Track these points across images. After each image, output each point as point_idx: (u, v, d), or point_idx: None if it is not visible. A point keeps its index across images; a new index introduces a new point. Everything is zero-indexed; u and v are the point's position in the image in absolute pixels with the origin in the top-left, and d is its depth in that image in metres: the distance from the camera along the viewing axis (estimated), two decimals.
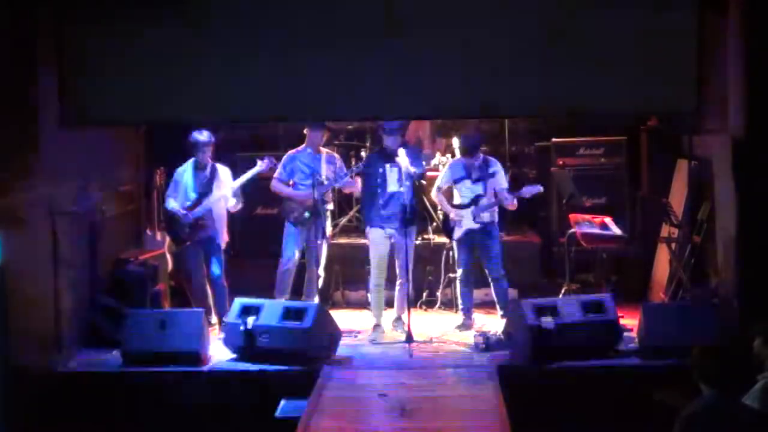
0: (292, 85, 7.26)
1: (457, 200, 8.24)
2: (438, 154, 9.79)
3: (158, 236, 8.86)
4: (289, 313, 7.35)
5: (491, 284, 8.21)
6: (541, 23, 7.16)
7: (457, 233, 8.16)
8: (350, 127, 10.46)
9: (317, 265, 8.35)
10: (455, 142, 9.81)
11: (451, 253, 8.81)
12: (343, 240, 9.52)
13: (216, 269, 8.13)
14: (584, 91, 7.24)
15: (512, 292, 8.42)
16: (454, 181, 8.23)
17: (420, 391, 6.74)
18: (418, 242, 8.66)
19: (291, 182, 8.32)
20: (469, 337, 7.97)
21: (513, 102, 7.42)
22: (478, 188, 8.09)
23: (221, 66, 7.25)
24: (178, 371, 7.05)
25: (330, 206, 8.68)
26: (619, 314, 7.40)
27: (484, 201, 8.06)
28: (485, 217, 8.07)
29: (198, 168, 8.12)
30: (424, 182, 8.61)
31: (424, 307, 9.01)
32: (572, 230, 8.49)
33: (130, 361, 7.23)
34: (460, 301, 8.36)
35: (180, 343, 7.19)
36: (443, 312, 8.88)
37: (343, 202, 9.67)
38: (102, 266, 8.10)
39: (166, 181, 8.22)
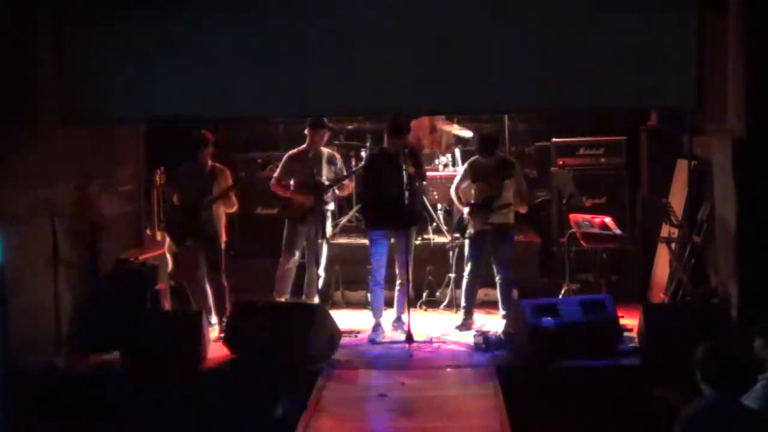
0: (291, 80, 7.29)
1: (473, 199, 8.23)
2: (438, 154, 9.79)
3: (158, 236, 8.86)
4: (289, 313, 7.36)
5: (498, 285, 8.22)
6: (542, 23, 7.19)
7: (469, 231, 8.16)
8: (350, 127, 10.48)
9: (317, 265, 8.35)
10: (455, 141, 9.85)
11: (451, 253, 8.82)
12: (343, 240, 9.52)
13: (215, 269, 8.13)
14: (585, 89, 7.27)
15: (512, 292, 8.41)
16: (471, 180, 8.22)
17: (420, 391, 6.74)
18: (418, 242, 8.66)
19: (291, 182, 8.32)
20: (469, 337, 7.97)
21: (514, 99, 7.48)
22: (494, 188, 8.09)
23: (220, 63, 7.27)
24: (178, 371, 7.04)
25: (330, 206, 8.68)
26: (619, 314, 7.40)
27: (497, 202, 8.05)
28: (498, 218, 8.07)
29: (198, 168, 8.12)
30: (424, 182, 8.61)
31: (424, 307, 9.01)
32: (572, 230, 8.49)
33: (130, 361, 7.23)
34: (462, 300, 8.36)
35: (180, 343, 7.19)
36: (443, 312, 8.87)
37: (343, 202, 9.66)
38: (102, 266, 8.10)
39: (166, 181, 8.22)
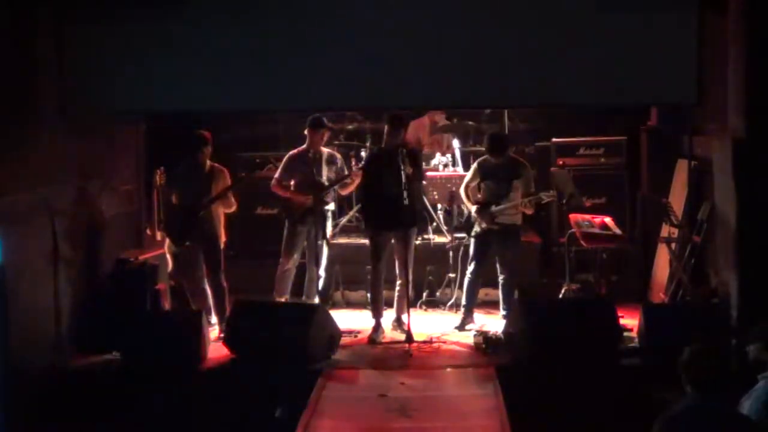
0: (290, 76, 7.34)
1: (481, 198, 8.23)
2: (438, 154, 9.79)
3: (158, 236, 8.86)
4: (289, 313, 7.36)
5: (500, 285, 8.21)
6: (543, 21, 7.20)
7: (475, 230, 8.16)
8: (350, 127, 10.48)
9: (317, 265, 8.35)
10: (455, 143, 9.84)
11: (451, 253, 8.82)
12: (343, 240, 9.52)
13: (215, 269, 8.13)
14: (585, 85, 7.31)
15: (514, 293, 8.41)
16: (480, 179, 8.22)
17: (420, 391, 6.75)
18: (418, 242, 8.65)
19: (291, 183, 8.32)
20: (469, 337, 7.97)
21: (515, 94, 7.56)
22: (501, 188, 8.09)
23: (220, 61, 7.32)
24: (178, 371, 7.04)
25: (330, 206, 8.67)
26: (619, 314, 7.40)
27: (504, 202, 8.05)
28: (505, 218, 8.07)
29: (196, 168, 8.11)
30: (424, 182, 8.60)
31: (424, 307, 9.01)
32: (572, 230, 8.49)
33: (130, 362, 7.23)
34: (463, 299, 8.35)
35: (180, 343, 7.19)
36: (443, 312, 8.87)
37: (343, 202, 9.67)
38: (102, 266, 8.10)
39: (166, 181, 8.23)
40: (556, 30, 7.24)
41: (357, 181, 8.39)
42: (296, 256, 8.35)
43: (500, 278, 8.22)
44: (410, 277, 8.03)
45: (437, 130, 10.22)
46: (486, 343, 7.60)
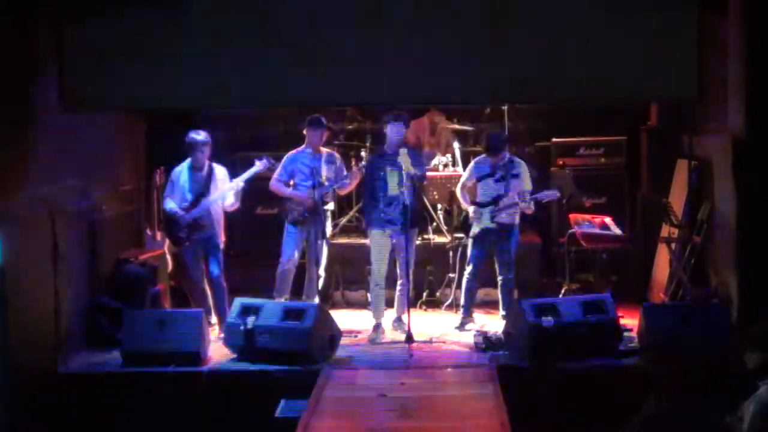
0: (289, 72, 7.37)
1: (479, 198, 8.21)
2: (438, 154, 9.79)
3: (158, 236, 8.87)
4: (289, 313, 7.36)
5: (499, 285, 8.20)
6: (546, 19, 7.23)
7: (474, 230, 8.14)
8: (350, 127, 10.47)
9: (317, 265, 8.35)
10: (455, 143, 9.84)
11: (451, 253, 8.82)
12: (343, 240, 9.51)
13: (215, 269, 8.12)
14: (586, 83, 7.32)
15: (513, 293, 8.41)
16: (477, 179, 8.20)
17: (420, 391, 6.74)
18: (418, 242, 8.64)
19: (291, 183, 8.32)
20: (469, 337, 7.96)
21: (515, 91, 7.59)
22: (500, 188, 8.07)
23: (220, 60, 7.35)
24: (178, 371, 7.04)
25: (330, 206, 8.66)
26: (619, 314, 7.40)
27: (504, 201, 8.04)
28: (504, 217, 8.06)
29: (195, 168, 8.10)
30: (425, 182, 8.60)
31: (424, 307, 9.01)
32: (572, 230, 8.49)
33: (129, 361, 7.24)
34: (462, 299, 8.35)
35: (179, 343, 7.19)
36: (444, 312, 8.87)
37: (343, 202, 9.67)
38: (102, 266, 8.10)
39: (165, 181, 8.22)
40: (557, 28, 7.24)
41: (356, 181, 8.39)
42: (296, 256, 8.34)
43: (499, 279, 8.20)
44: (410, 277, 8.03)
45: (437, 130, 10.21)
46: (486, 343, 7.60)
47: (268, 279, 8.37)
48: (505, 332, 7.56)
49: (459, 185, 8.36)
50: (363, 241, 8.79)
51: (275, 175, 8.35)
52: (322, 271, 8.50)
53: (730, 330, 6.94)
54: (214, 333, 7.91)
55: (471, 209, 8.14)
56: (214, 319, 8.13)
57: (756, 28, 7.03)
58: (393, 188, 7.95)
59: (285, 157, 8.39)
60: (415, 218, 8.10)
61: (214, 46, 7.35)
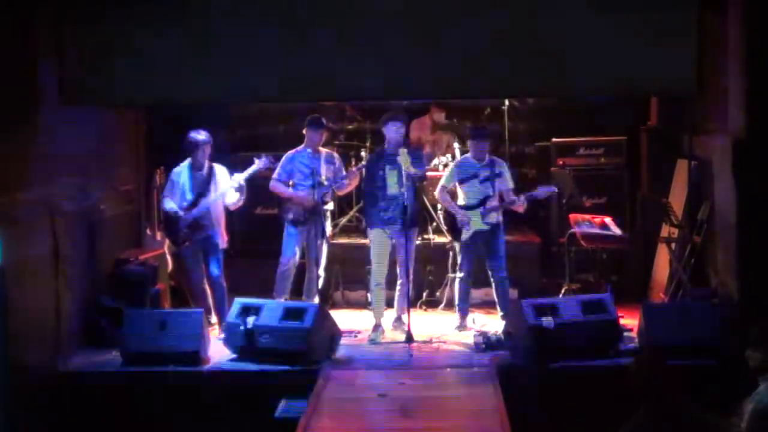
0: (288, 68, 7.36)
1: (461, 201, 8.19)
2: (438, 154, 9.79)
3: (158, 236, 8.86)
4: (289, 313, 7.36)
5: (493, 285, 8.18)
6: (546, 14, 7.25)
7: (465, 235, 8.09)
8: (350, 127, 10.47)
9: (317, 265, 8.35)
10: (456, 145, 9.84)
11: (452, 252, 8.81)
12: (343, 240, 9.52)
13: (215, 269, 8.12)
14: (586, 80, 7.34)
15: (512, 292, 8.38)
16: (459, 181, 8.17)
17: (420, 391, 6.74)
18: (418, 242, 8.64)
19: (291, 183, 8.32)
20: (469, 337, 7.96)
21: (515, 87, 7.63)
22: (487, 189, 8.05)
23: (220, 59, 7.37)
24: (178, 371, 7.05)
25: (330, 206, 8.66)
26: (619, 314, 7.40)
27: (492, 202, 8.04)
28: (493, 217, 8.05)
29: (195, 168, 8.10)
30: (425, 182, 8.60)
31: (424, 307, 9.01)
32: (572, 230, 8.49)
33: (130, 361, 7.24)
34: (457, 300, 8.33)
35: (180, 343, 7.19)
36: (444, 312, 8.87)
37: (343, 202, 9.67)
38: (102, 266, 8.10)
39: (165, 181, 8.21)
40: (559, 23, 7.24)
41: (354, 182, 8.39)
42: (296, 256, 8.34)
43: (493, 279, 8.16)
44: (410, 277, 8.03)
45: (438, 130, 10.21)
46: (486, 343, 7.60)
47: (268, 279, 8.37)
48: (505, 332, 7.57)
49: (439, 187, 8.25)
50: (363, 241, 8.79)
51: (275, 175, 8.35)
52: (322, 271, 8.50)
53: (730, 330, 6.93)
54: (214, 333, 7.91)
55: (460, 214, 8.09)
56: (214, 319, 8.13)
57: (756, 28, 7.03)
58: (393, 188, 7.95)
59: (284, 157, 8.39)
60: (416, 219, 8.09)
61: (214, 44, 7.36)
